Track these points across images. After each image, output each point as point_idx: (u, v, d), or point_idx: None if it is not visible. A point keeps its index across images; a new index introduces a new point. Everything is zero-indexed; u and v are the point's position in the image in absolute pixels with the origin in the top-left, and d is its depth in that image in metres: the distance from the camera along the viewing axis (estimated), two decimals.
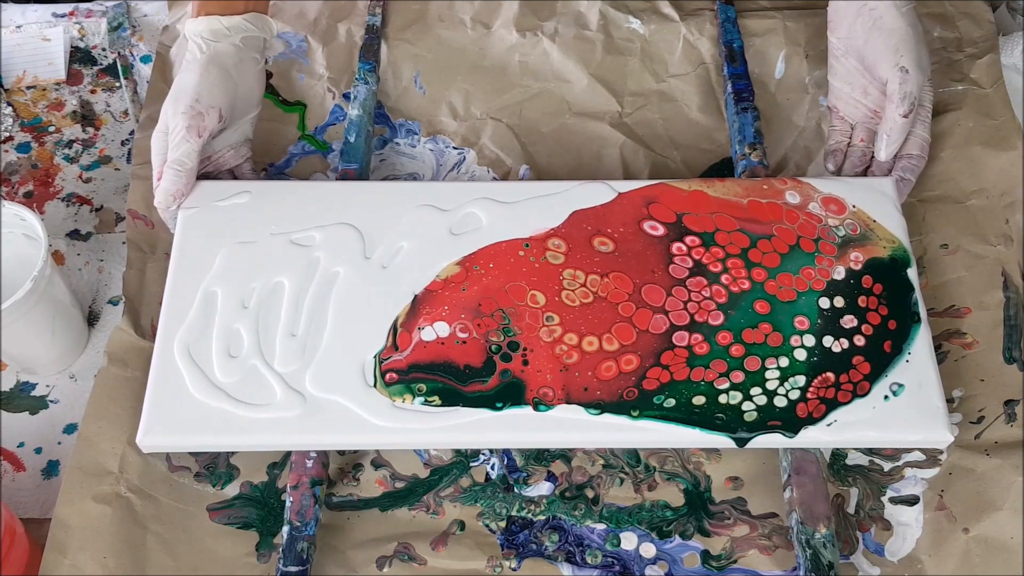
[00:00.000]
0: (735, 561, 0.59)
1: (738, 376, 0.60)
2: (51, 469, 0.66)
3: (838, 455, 0.62)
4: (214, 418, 0.59)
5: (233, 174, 0.72)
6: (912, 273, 0.63)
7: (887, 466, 0.61)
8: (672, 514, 0.60)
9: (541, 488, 0.62)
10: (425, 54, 0.81)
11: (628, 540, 0.60)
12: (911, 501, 0.60)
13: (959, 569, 0.57)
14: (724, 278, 0.63)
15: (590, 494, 0.61)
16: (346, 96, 0.79)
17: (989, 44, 0.76)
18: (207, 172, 0.70)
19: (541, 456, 0.63)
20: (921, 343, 0.60)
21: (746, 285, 0.63)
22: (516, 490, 0.62)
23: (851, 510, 0.60)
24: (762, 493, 0.61)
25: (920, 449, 0.61)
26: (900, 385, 0.59)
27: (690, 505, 0.61)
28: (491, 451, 0.63)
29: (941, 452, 0.61)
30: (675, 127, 0.77)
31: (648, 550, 0.59)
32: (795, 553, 0.57)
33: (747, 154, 0.71)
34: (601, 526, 0.60)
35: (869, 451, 0.61)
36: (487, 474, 0.63)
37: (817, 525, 0.57)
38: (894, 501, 0.60)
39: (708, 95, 0.78)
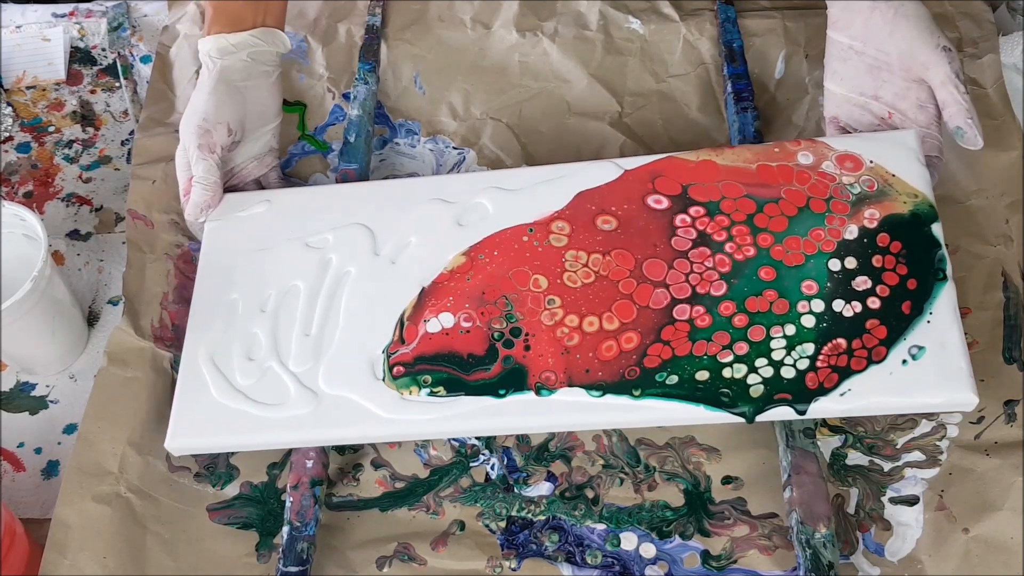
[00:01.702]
0: (735, 561, 0.59)
1: (742, 348, 0.58)
2: (51, 469, 0.66)
3: (838, 455, 0.61)
4: (234, 419, 0.60)
5: (260, 184, 0.73)
6: (937, 228, 0.59)
7: (887, 466, 0.61)
8: (672, 514, 0.60)
9: (541, 488, 0.62)
10: (425, 54, 0.81)
11: (628, 540, 0.60)
12: (911, 501, 0.59)
13: (959, 569, 0.57)
14: (728, 247, 0.61)
15: (590, 494, 0.61)
16: (346, 96, 0.79)
17: (989, 44, 0.76)
18: (233, 185, 0.71)
19: (541, 456, 0.63)
20: (944, 301, 0.57)
21: (751, 252, 0.60)
22: (516, 490, 0.62)
23: (851, 510, 0.60)
24: (762, 493, 0.61)
25: (920, 449, 0.61)
26: (920, 348, 0.56)
27: (690, 505, 0.61)
28: (491, 451, 0.63)
29: (941, 452, 0.60)
30: (675, 127, 0.77)
31: (648, 550, 0.59)
32: (795, 553, 0.57)
33: None
34: (601, 526, 0.60)
35: (869, 451, 0.61)
36: (487, 474, 0.62)
37: (817, 525, 0.57)
38: (894, 501, 0.60)
39: (708, 95, 0.78)
